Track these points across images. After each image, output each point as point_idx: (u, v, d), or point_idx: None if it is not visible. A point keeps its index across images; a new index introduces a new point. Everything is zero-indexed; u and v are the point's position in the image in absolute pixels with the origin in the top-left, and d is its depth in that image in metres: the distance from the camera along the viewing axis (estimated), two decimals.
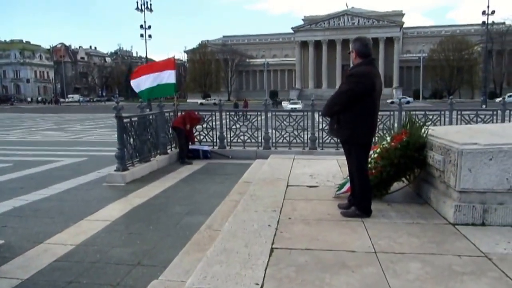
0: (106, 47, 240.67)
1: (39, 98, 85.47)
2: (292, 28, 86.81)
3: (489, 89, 57.60)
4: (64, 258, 3.89)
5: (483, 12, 41.93)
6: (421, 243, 3.14)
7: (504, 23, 66.29)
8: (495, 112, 9.91)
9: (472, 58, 72.01)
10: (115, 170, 7.46)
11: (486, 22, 42.40)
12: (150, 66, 10.06)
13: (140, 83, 9.53)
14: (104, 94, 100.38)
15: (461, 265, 2.72)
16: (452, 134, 4.14)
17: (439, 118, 9.92)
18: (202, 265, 2.81)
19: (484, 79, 46.86)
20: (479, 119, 9.70)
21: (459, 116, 9.83)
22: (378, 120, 3.89)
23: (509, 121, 9.88)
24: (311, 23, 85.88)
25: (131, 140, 7.91)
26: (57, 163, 9.46)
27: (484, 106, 33.17)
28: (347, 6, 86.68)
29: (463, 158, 3.50)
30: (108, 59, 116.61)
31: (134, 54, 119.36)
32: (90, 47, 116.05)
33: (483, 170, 3.48)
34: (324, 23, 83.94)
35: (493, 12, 41.90)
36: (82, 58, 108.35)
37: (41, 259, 3.86)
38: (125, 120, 7.68)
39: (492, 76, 66.40)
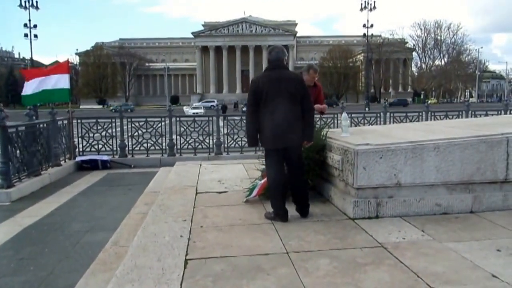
0: None
1: None
2: (192, 33, 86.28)
3: (370, 93, 64.66)
4: None
5: (364, 25, 47.12)
6: (327, 239, 3.36)
7: (380, 35, 75.28)
8: (379, 115, 11.22)
9: (356, 66, 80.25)
10: None
11: (366, 34, 47.74)
12: (45, 70, 9.06)
13: (27, 86, 8.53)
14: None
15: (363, 256, 2.98)
16: (348, 136, 4.53)
17: (332, 120, 10.81)
18: (111, 286, 2.61)
19: (366, 85, 52.54)
20: (365, 121, 10.97)
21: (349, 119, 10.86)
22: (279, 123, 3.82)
23: (390, 122, 11.20)
24: (211, 28, 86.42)
25: (18, 152, 7.03)
26: None
27: (367, 109, 37.46)
28: (244, 14, 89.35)
29: (358, 157, 3.85)
30: None
31: (16, 56, 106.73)
32: None
33: (375, 167, 3.87)
34: (224, 30, 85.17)
35: (371, 25, 47.32)
36: None
37: None
38: (10, 130, 6.80)
39: (373, 82, 74.71)
